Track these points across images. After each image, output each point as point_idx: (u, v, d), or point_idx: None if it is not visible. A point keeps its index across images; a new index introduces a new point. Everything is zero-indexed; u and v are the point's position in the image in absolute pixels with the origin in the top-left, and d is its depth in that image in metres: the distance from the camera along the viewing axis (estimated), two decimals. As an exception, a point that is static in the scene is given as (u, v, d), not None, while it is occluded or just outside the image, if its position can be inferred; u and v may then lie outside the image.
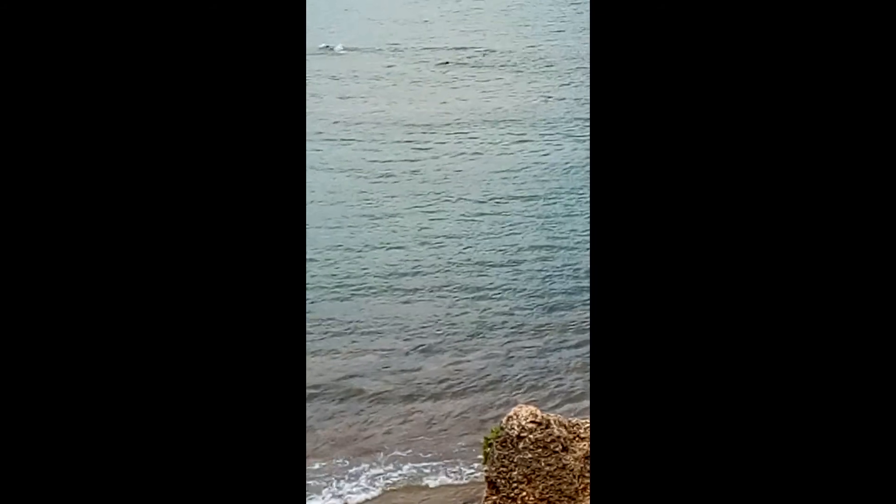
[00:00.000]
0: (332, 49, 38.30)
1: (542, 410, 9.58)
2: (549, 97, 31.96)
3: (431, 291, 19.59)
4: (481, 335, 18.08)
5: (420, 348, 17.77)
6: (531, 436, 9.33)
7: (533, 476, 9.28)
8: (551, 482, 9.28)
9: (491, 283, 19.88)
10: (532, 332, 18.18)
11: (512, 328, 18.32)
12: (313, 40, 36.14)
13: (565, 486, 9.25)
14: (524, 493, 9.29)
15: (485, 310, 18.92)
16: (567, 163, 26.13)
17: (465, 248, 21.40)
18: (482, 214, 23.08)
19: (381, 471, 14.44)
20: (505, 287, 19.73)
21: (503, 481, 9.36)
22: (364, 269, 20.45)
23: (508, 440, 9.38)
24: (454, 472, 14.34)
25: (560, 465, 9.23)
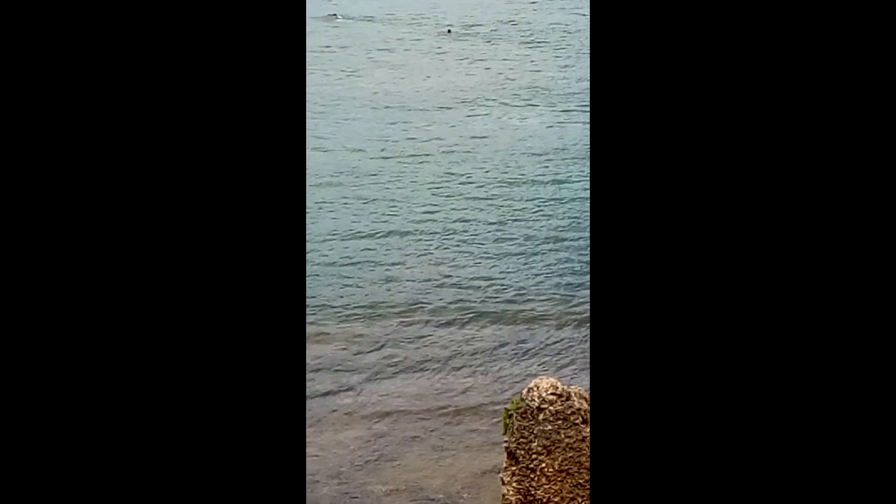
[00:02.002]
0: (336, 17, 37.79)
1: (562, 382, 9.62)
2: (566, 72, 31.46)
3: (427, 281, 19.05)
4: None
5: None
6: (551, 407, 9.37)
7: (552, 447, 9.33)
8: (570, 454, 9.33)
9: (502, 271, 19.32)
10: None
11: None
12: (310, 10, 35.57)
13: (584, 458, 9.30)
14: (543, 465, 9.33)
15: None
16: (581, 142, 25.79)
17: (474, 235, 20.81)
18: (493, 196, 22.59)
19: None
20: (517, 273, 19.24)
21: (522, 452, 9.41)
22: (364, 256, 19.39)
23: (528, 411, 9.42)
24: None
25: (580, 437, 9.27)
